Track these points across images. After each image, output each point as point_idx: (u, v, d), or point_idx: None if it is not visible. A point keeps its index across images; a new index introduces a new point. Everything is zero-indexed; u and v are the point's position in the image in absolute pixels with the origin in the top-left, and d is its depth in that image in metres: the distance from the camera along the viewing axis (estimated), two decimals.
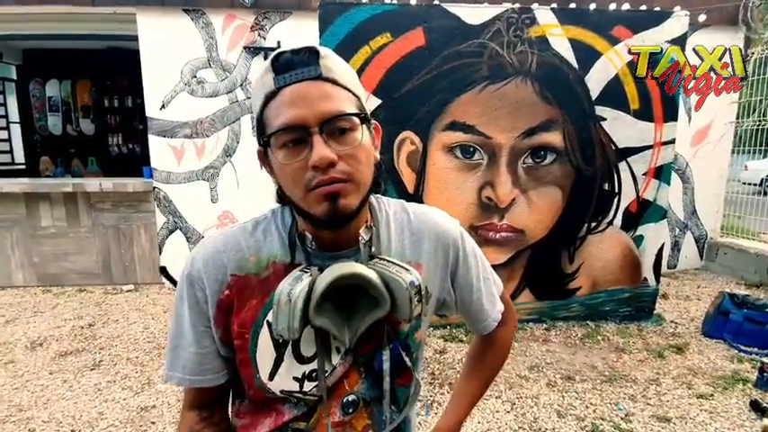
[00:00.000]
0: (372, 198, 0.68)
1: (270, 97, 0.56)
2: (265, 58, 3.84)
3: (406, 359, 0.69)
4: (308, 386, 0.65)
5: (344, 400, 0.68)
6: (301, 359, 0.65)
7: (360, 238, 0.62)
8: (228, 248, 0.64)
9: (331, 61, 0.57)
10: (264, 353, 0.64)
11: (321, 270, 0.59)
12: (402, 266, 0.60)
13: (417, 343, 0.72)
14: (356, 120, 0.57)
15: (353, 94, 0.59)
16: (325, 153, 0.53)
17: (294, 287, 0.55)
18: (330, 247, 0.63)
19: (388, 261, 0.61)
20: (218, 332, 0.65)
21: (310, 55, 0.56)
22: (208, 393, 0.69)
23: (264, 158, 0.62)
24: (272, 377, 0.65)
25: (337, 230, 0.61)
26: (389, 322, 0.63)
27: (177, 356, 0.67)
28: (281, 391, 0.66)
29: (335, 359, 0.66)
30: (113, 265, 4.09)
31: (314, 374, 0.65)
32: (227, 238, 0.66)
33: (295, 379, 0.65)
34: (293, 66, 0.55)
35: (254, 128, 0.65)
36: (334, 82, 0.56)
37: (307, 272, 0.59)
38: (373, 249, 0.64)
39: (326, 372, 0.65)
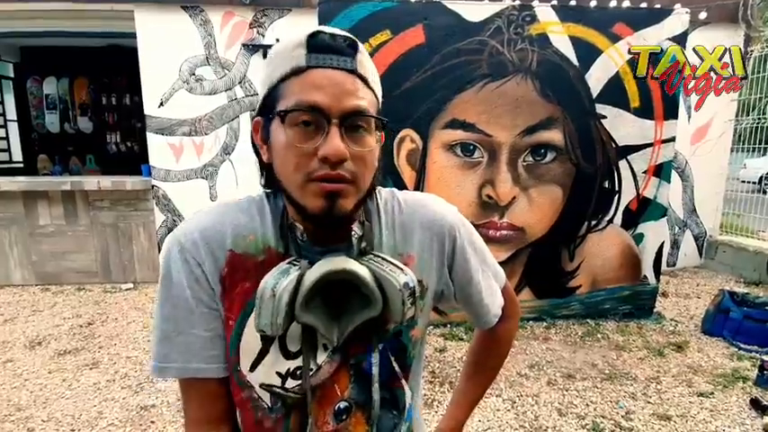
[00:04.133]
0: None
1: (296, 72, 0.53)
2: (264, 56, 3.83)
3: (395, 365, 0.65)
4: (290, 383, 0.61)
5: (337, 408, 0.64)
6: (287, 354, 0.61)
7: (352, 233, 0.60)
8: (227, 223, 0.60)
9: (365, 58, 0.56)
10: (250, 342, 0.60)
11: (311, 264, 0.55)
12: (397, 266, 0.57)
13: (414, 341, 0.67)
14: (373, 123, 0.56)
15: (376, 98, 0.58)
16: (341, 146, 0.51)
17: (279, 281, 0.53)
18: (321, 241, 0.60)
19: (383, 259, 0.58)
20: (224, 311, 0.60)
21: (349, 46, 0.54)
22: (218, 404, 0.63)
23: (261, 131, 0.59)
24: (253, 368, 0.60)
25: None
26: (381, 322, 0.60)
27: (174, 343, 0.59)
28: (261, 385, 0.61)
29: (321, 357, 0.62)
30: (112, 264, 4.07)
31: (298, 372, 0.61)
32: (225, 212, 0.61)
33: (278, 374, 0.61)
34: (329, 49, 0.53)
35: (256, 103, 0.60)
36: (365, 80, 0.55)
37: (296, 264, 0.55)
38: (364, 244, 0.61)
39: (311, 370, 0.61)
